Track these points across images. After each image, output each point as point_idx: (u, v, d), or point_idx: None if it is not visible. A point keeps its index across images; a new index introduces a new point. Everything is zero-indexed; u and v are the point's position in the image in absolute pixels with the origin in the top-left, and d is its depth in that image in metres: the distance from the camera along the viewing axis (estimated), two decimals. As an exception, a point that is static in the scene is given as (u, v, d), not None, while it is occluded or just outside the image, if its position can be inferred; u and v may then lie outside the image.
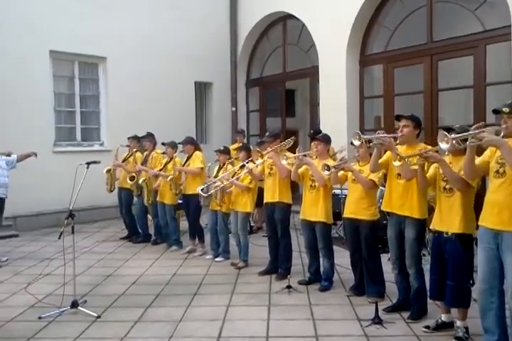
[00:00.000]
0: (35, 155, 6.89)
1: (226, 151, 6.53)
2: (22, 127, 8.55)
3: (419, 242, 4.30)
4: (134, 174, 7.45)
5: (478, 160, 3.46)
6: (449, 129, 3.77)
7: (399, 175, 4.26)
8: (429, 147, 4.04)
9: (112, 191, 7.90)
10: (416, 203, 4.18)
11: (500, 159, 3.27)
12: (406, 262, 4.33)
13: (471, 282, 3.79)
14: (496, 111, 3.29)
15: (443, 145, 3.34)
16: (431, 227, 4.00)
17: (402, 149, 4.27)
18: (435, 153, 3.76)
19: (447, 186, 3.81)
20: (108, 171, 7.73)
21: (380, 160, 4.41)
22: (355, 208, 4.80)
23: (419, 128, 4.40)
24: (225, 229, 6.47)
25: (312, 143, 5.43)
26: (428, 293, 4.10)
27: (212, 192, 6.11)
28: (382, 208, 4.57)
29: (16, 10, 8.59)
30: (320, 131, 8.21)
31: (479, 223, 3.42)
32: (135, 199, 7.75)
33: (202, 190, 6.25)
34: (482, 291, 3.36)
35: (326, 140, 5.38)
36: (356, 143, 4.13)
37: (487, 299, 3.34)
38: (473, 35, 7.52)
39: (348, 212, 4.91)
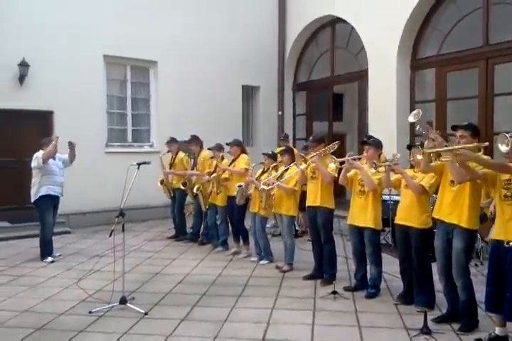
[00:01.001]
0: (71, 143, 6.73)
1: (273, 156, 6.54)
2: (76, 128, 8.81)
3: (467, 253, 4.14)
4: (185, 180, 7.59)
5: None
6: None
7: (452, 182, 4.12)
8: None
9: (172, 197, 8.07)
10: (466, 212, 4.03)
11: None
12: (453, 273, 4.19)
13: None
14: None
15: (503, 148, 3.22)
16: (491, 237, 3.84)
17: None
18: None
19: (508, 193, 3.66)
20: (162, 182, 7.91)
21: (433, 163, 4.28)
22: (406, 215, 4.69)
23: (477, 137, 4.15)
24: (263, 233, 6.46)
25: (363, 148, 5.36)
26: (484, 305, 3.93)
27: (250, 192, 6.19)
28: (432, 215, 4.45)
29: (71, 17, 8.92)
30: (372, 137, 8.13)
31: None
32: (190, 199, 7.87)
33: (240, 186, 6.29)
34: None
35: (377, 144, 5.31)
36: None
37: None
38: (533, 37, 7.22)
39: (398, 219, 4.81)
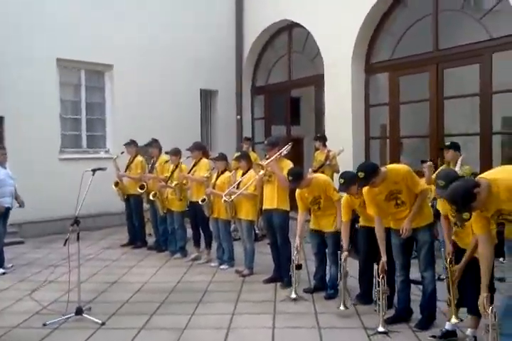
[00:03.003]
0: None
1: (223, 158, 6.50)
2: (28, 134, 8.60)
3: (432, 244, 4.32)
4: (143, 182, 7.47)
5: None
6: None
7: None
8: None
9: (126, 200, 7.93)
10: (423, 215, 4.28)
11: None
12: (421, 266, 4.32)
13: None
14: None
15: None
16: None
17: None
18: None
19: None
20: (116, 185, 7.76)
21: None
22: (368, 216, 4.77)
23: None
24: (228, 237, 6.45)
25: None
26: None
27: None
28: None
29: (23, 19, 8.68)
30: (324, 136, 8.29)
31: (507, 235, 3.36)
32: (145, 205, 7.76)
33: (203, 200, 6.27)
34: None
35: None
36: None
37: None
38: (480, 43, 7.52)
39: (364, 221, 4.91)
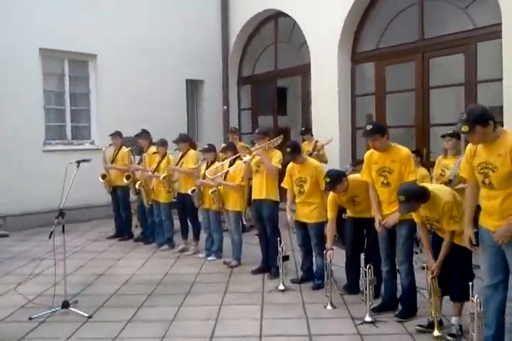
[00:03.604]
0: None
1: (211, 149, 6.44)
2: (12, 125, 8.46)
3: (410, 240, 4.32)
4: (129, 173, 7.42)
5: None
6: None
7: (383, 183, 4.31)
8: None
9: (112, 192, 7.86)
10: None
11: (481, 168, 3.27)
12: (397, 259, 4.34)
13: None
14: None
15: None
16: None
17: None
18: None
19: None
20: (104, 177, 7.68)
21: None
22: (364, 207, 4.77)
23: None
24: (219, 227, 6.45)
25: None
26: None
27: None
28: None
29: (4, 8, 8.48)
30: (310, 129, 8.29)
31: (480, 224, 3.42)
32: (133, 197, 7.70)
33: (193, 191, 6.25)
34: (489, 285, 3.37)
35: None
36: None
37: (491, 293, 3.35)
38: (464, 32, 7.53)
39: (352, 212, 4.92)
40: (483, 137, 3.20)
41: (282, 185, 5.48)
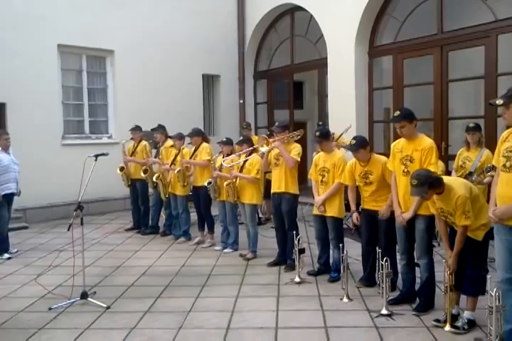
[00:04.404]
0: None
1: (229, 142, 6.47)
2: (30, 121, 8.59)
3: (429, 233, 4.27)
4: (147, 167, 7.49)
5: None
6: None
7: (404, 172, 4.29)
8: None
9: (130, 186, 7.93)
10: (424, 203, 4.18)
11: (506, 152, 3.22)
12: (416, 253, 4.31)
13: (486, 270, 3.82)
14: (491, 104, 3.35)
15: None
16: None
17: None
18: None
19: None
20: (121, 169, 7.75)
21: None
22: (374, 199, 4.76)
23: None
24: (235, 220, 6.47)
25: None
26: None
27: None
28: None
29: (23, 4, 8.59)
30: (324, 125, 8.23)
31: None
32: (150, 190, 7.77)
33: (209, 183, 6.27)
34: (504, 280, 3.33)
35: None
36: None
37: (508, 287, 3.30)
38: (485, 25, 7.41)
39: (365, 204, 4.88)
40: None
41: (309, 176, 5.48)
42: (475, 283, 3.76)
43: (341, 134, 7.71)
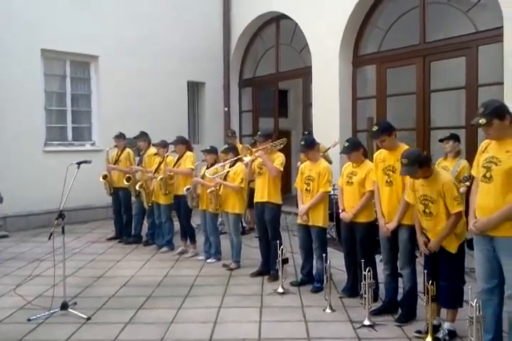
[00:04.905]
0: None
1: (213, 151, 6.44)
2: (13, 126, 8.47)
3: (412, 243, 4.29)
4: (129, 175, 7.43)
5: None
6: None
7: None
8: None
9: (111, 194, 7.85)
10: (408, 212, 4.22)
11: (486, 162, 3.26)
12: (399, 263, 4.34)
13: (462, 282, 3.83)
14: (472, 125, 3.39)
15: None
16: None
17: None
18: None
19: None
20: (104, 177, 7.68)
21: None
22: (351, 209, 4.78)
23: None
24: (215, 230, 6.43)
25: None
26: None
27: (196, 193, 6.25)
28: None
29: (6, 9, 8.50)
30: (311, 132, 8.26)
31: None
32: (133, 198, 7.71)
33: (188, 189, 6.24)
34: (484, 290, 3.36)
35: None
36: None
37: (488, 297, 3.34)
38: (466, 36, 7.55)
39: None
40: (500, 131, 3.19)
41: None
42: (450, 295, 3.77)
43: (328, 149, 7.70)
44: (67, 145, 9.54)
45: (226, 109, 11.63)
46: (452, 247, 3.79)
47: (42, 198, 8.38)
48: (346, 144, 4.79)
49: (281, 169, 5.55)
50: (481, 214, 3.29)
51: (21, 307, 4.76)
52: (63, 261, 4.69)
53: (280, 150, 5.79)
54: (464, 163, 5.62)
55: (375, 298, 4.68)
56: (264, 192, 5.61)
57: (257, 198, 5.74)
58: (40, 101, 9.10)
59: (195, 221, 7.20)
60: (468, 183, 5.10)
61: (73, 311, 4.51)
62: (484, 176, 3.27)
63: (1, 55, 8.40)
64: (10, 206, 7.85)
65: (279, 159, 5.58)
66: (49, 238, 4.43)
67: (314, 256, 5.31)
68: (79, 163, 4.90)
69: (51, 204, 7.65)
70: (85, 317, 4.41)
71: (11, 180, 7.63)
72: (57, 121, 9.58)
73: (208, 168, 6.31)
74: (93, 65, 9.89)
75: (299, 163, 6.65)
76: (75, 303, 4.74)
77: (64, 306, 4.54)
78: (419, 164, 3.72)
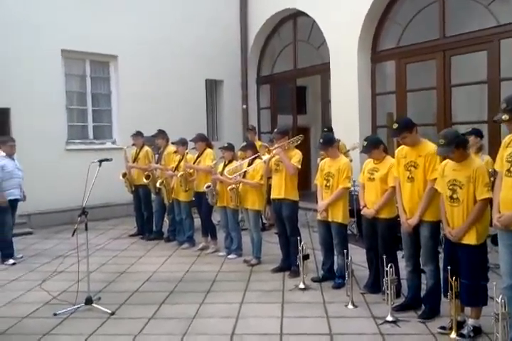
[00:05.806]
0: None
1: (230, 148, 6.45)
2: (34, 126, 8.62)
3: (434, 240, 4.25)
4: (149, 173, 7.49)
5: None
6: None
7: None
8: None
9: (133, 192, 7.94)
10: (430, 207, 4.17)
11: (510, 157, 3.21)
12: (421, 259, 4.30)
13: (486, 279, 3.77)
14: (495, 121, 3.33)
15: None
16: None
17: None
18: None
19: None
20: (124, 175, 7.77)
21: None
22: (373, 205, 4.75)
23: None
24: (236, 226, 6.47)
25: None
26: (442, 291, 4.04)
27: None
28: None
29: (27, 10, 8.65)
30: (331, 128, 8.23)
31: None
32: (153, 196, 7.78)
33: (208, 187, 6.27)
34: (509, 286, 3.31)
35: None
36: None
37: None
38: (487, 29, 7.42)
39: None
40: None
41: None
42: (471, 293, 3.71)
43: (347, 151, 7.64)
44: (88, 144, 9.68)
45: (244, 106, 11.65)
46: (471, 238, 3.70)
47: (64, 196, 8.53)
48: (365, 143, 4.76)
49: (299, 166, 5.56)
50: (505, 208, 3.25)
51: (47, 302, 4.86)
52: (87, 257, 4.78)
53: (299, 147, 5.79)
54: (487, 158, 5.53)
55: (398, 294, 4.64)
56: (281, 189, 5.62)
57: (274, 195, 5.75)
58: (61, 101, 9.26)
59: (216, 217, 7.24)
60: (492, 179, 5.02)
61: (97, 306, 4.58)
62: (508, 170, 3.23)
63: (22, 57, 8.55)
64: (33, 204, 7.98)
65: (296, 156, 5.58)
66: (72, 234, 4.54)
67: (335, 252, 5.30)
68: (100, 161, 4.98)
69: (73, 202, 7.79)
70: (109, 312, 4.48)
71: (35, 179, 7.75)
72: (78, 120, 9.74)
73: (225, 165, 6.35)
74: (112, 65, 10.01)
75: (319, 160, 6.63)
76: (99, 298, 4.83)
77: (88, 301, 4.62)
78: (456, 145, 3.64)
